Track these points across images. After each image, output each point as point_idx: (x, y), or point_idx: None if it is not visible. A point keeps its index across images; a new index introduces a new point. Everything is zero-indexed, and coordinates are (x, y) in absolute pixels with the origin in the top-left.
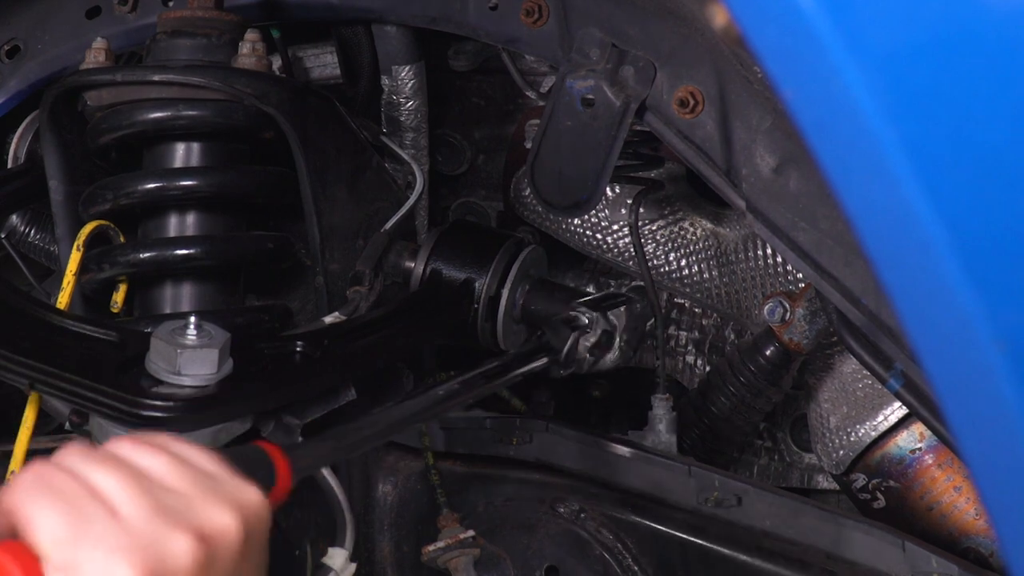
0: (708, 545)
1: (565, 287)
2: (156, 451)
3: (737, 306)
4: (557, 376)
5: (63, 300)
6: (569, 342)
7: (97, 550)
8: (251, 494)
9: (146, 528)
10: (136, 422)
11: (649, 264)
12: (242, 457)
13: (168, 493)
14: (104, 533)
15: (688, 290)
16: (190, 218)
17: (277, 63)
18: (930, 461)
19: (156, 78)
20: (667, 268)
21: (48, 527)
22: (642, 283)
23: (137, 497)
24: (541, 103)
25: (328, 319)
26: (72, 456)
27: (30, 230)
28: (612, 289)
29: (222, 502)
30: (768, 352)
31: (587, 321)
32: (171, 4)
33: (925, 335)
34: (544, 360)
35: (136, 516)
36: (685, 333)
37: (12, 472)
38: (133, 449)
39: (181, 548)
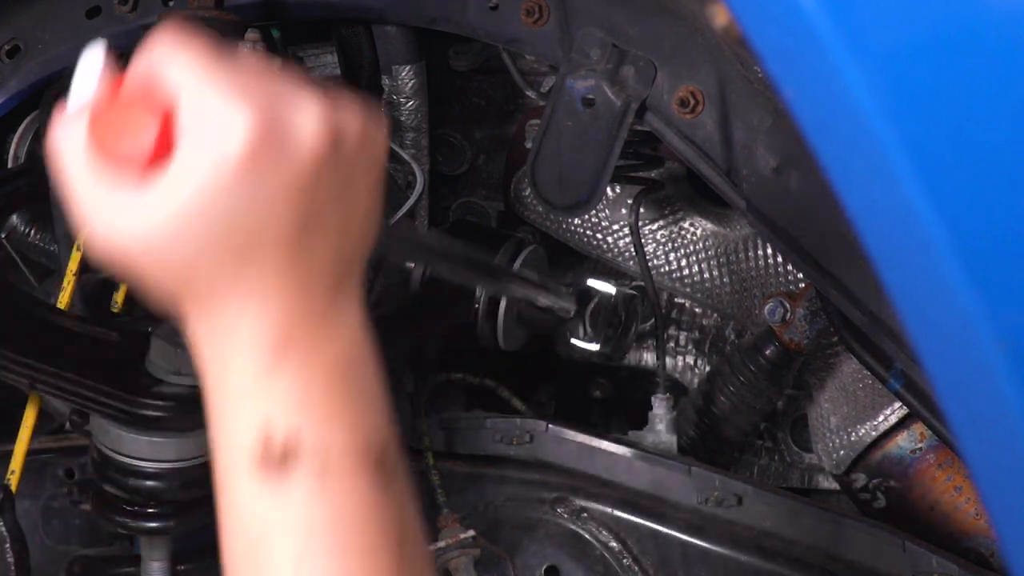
0: (708, 545)
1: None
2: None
3: (737, 306)
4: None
5: (63, 300)
6: (587, 312)
7: (223, 90)
8: (375, 115)
9: (274, 90)
10: (136, 422)
11: (649, 264)
12: None
13: (296, 83)
14: (231, 80)
15: (688, 290)
16: None
17: (277, 63)
18: (931, 461)
19: None
20: (667, 268)
21: (177, 68)
22: (642, 283)
23: (268, 71)
24: (541, 103)
25: None
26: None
27: (30, 230)
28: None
29: (350, 109)
30: (768, 352)
31: (610, 294)
32: (171, 4)
33: (925, 335)
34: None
35: (266, 81)
36: (685, 333)
37: (12, 472)
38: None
39: (307, 115)
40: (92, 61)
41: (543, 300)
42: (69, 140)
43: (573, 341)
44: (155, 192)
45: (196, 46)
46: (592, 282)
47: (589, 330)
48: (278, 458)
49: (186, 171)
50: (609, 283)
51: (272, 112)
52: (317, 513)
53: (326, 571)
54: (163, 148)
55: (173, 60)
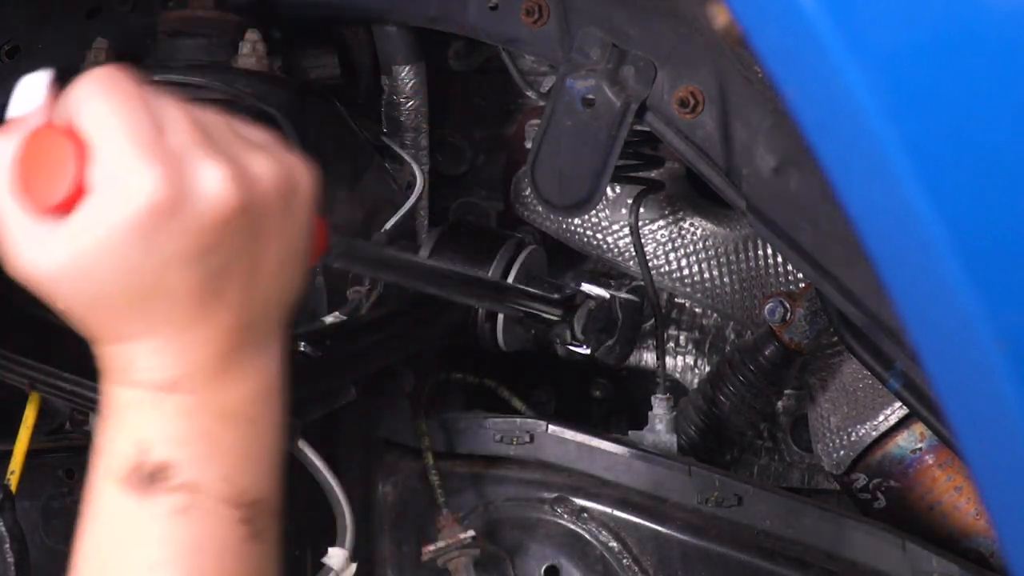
0: (708, 545)
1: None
2: (216, 112)
3: (737, 306)
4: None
5: None
6: (581, 316)
7: (132, 147)
8: (298, 161)
9: (185, 149)
10: None
11: (649, 264)
12: None
13: (217, 135)
14: (143, 137)
15: (688, 290)
16: None
17: (277, 63)
18: (931, 461)
19: (156, 78)
20: (667, 268)
21: (94, 115)
22: (642, 283)
23: (186, 124)
24: (541, 103)
25: (328, 319)
26: (142, 82)
27: None
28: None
29: (266, 156)
30: (768, 352)
31: (605, 298)
32: (171, 4)
33: (926, 335)
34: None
35: (180, 137)
36: (685, 333)
37: (12, 472)
38: (196, 105)
39: (212, 177)
40: (34, 85)
41: (531, 308)
42: None
43: (562, 345)
44: (60, 234)
45: (122, 92)
46: (586, 286)
47: (579, 335)
48: (146, 477)
49: (88, 223)
50: (606, 288)
51: (177, 174)
52: (175, 535)
53: None
54: (77, 190)
55: (95, 106)
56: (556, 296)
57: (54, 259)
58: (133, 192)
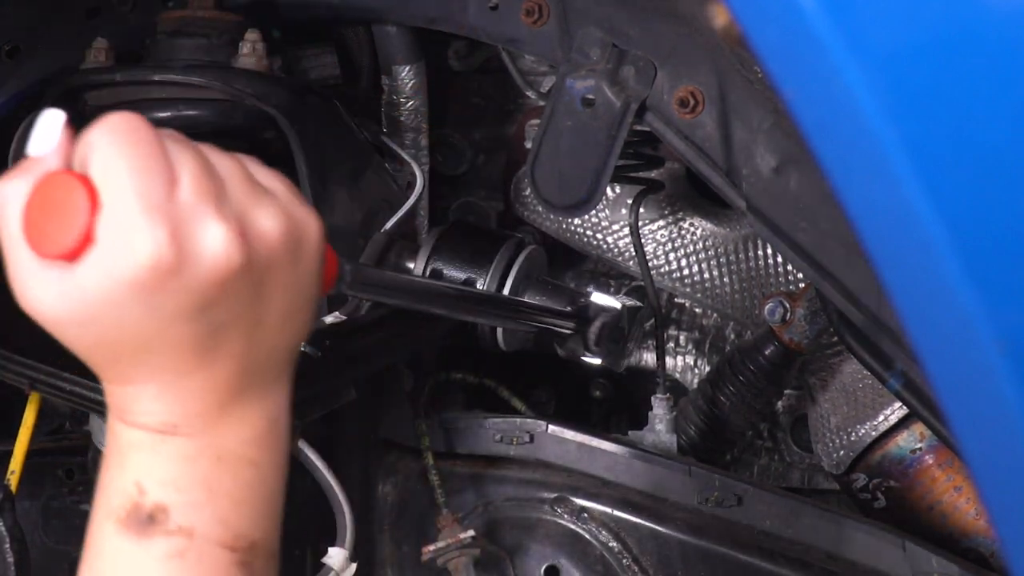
0: (708, 545)
1: (566, 287)
2: (230, 157)
3: (737, 306)
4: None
5: None
6: (595, 328)
7: (138, 204)
8: (306, 211)
9: (192, 206)
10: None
11: (649, 264)
12: None
13: (230, 185)
14: (151, 193)
15: (688, 290)
16: None
17: (277, 63)
18: (931, 461)
19: (156, 78)
20: (667, 268)
21: (105, 166)
22: (642, 283)
23: (198, 175)
24: (541, 103)
25: (328, 319)
26: (157, 128)
27: None
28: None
29: (274, 209)
30: (768, 352)
31: (617, 308)
32: (171, 4)
33: (925, 335)
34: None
35: (188, 192)
36: (685, 333)
37: (12, 472)
38: (212, 149)
39: (216, 237)
40: (51, 124)
41: (545, 324)
42: (11, 199)
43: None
44: (66, 281)
45: (136, 143)
46: (596, 296)
47: (594, 347)
48: (144, 519)
49: (92, 275)
50: (611, 296)
51: (180, 234)
52: (172, 573)
53: None
54: (85, 239)
55: (107, 155)
56: (569, 309)
57: (59, 304)
58: (137, 251)
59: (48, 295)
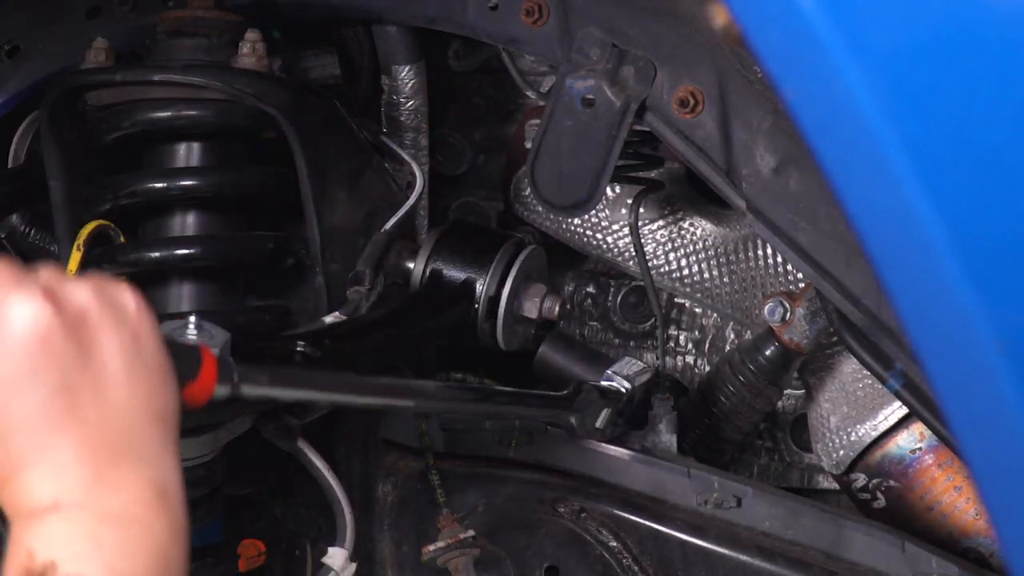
0: (708, 545)
1: (582, 345)
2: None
3: (737, 306)
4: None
5: None
6: (603, 417)
7: None
8: (120, 284)
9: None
10: None
11: (649, 264)
12: (177, 346)
13: (32, 275)
14: None
15: (688, 290)
16: (190, 218)
17: (277, 63)
18: (930, 461)
19: (156, 78)
20: (667, 268)
21: None
22: (642, 283)
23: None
24: (541, 103)
25: (328, 319)
26: None
27: (30, 230)
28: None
29: (80, 282)
30: (768, 352)
31: (624, 392)
32: (171, 4)
33: (925, 335)
34: (556, 417)
35: None
36: (685, 333)
37: None
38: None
39: (22, 302)
40: None
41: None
42: None
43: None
44: None
45: None
46: (608, 379)
47: (598, 427)
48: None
49: None
50: (628, 369)
51: None
52: None
53: None
54: None
55: None
56: (563, 394)
57: None
58: None
59: None
